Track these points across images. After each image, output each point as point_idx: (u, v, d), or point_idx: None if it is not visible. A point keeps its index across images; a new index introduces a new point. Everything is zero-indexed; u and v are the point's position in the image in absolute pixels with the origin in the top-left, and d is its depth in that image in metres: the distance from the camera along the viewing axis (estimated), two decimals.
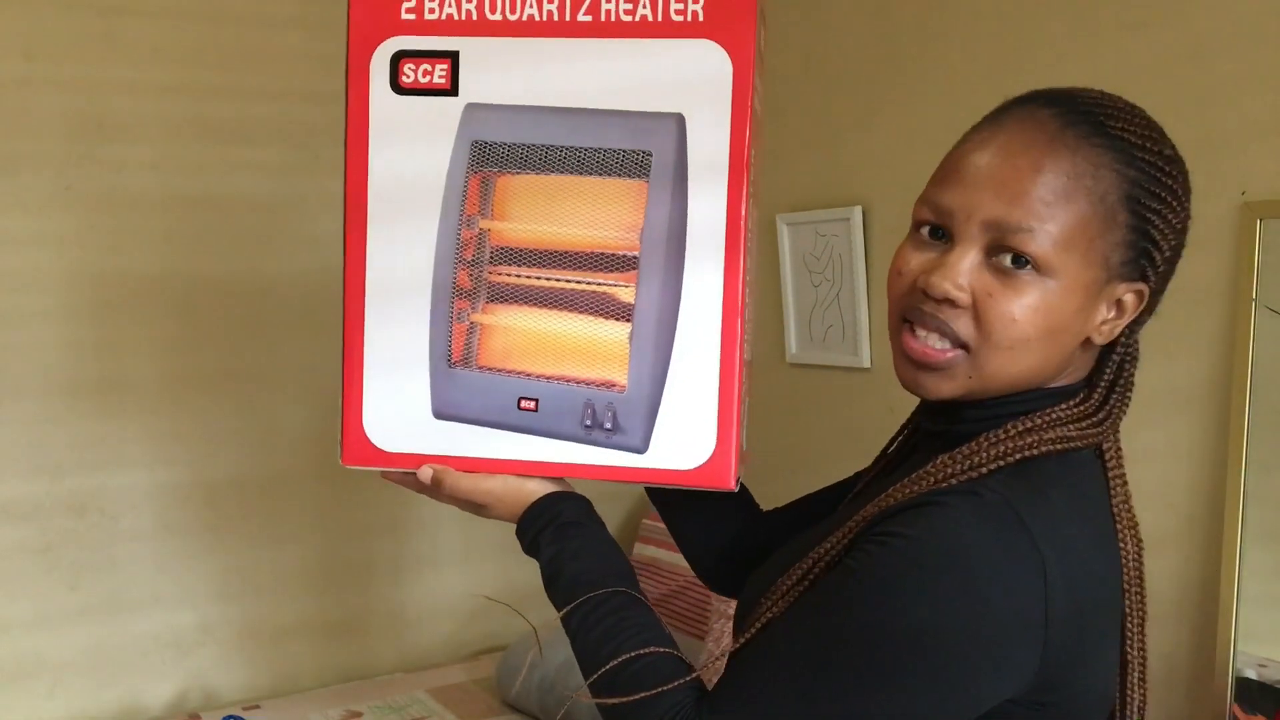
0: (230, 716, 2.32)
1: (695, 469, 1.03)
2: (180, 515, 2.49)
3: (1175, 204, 0.91)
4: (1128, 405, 0.98)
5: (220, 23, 2.48)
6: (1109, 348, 0.97)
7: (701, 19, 0.95)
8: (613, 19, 0.97)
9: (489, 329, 1.03)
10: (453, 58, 0.99)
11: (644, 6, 0.96)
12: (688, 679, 0.91)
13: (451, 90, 0.99)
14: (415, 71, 1.00)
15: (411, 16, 1.00)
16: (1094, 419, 0.94)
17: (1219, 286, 1.77)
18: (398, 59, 1.00)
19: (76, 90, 2.34)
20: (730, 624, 1.22)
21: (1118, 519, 0.94)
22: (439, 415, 1.05)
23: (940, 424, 0.97)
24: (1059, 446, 0.90)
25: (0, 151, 2.28)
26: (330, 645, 2.67)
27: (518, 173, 1.00)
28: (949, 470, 0.88)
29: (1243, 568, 1.73)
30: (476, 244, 1.02)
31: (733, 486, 1.05)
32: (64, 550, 2.38)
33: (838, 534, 0.92)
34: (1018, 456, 0.88)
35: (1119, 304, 0.93)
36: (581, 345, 1.02)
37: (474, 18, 0.99)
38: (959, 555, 0.82)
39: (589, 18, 0.98)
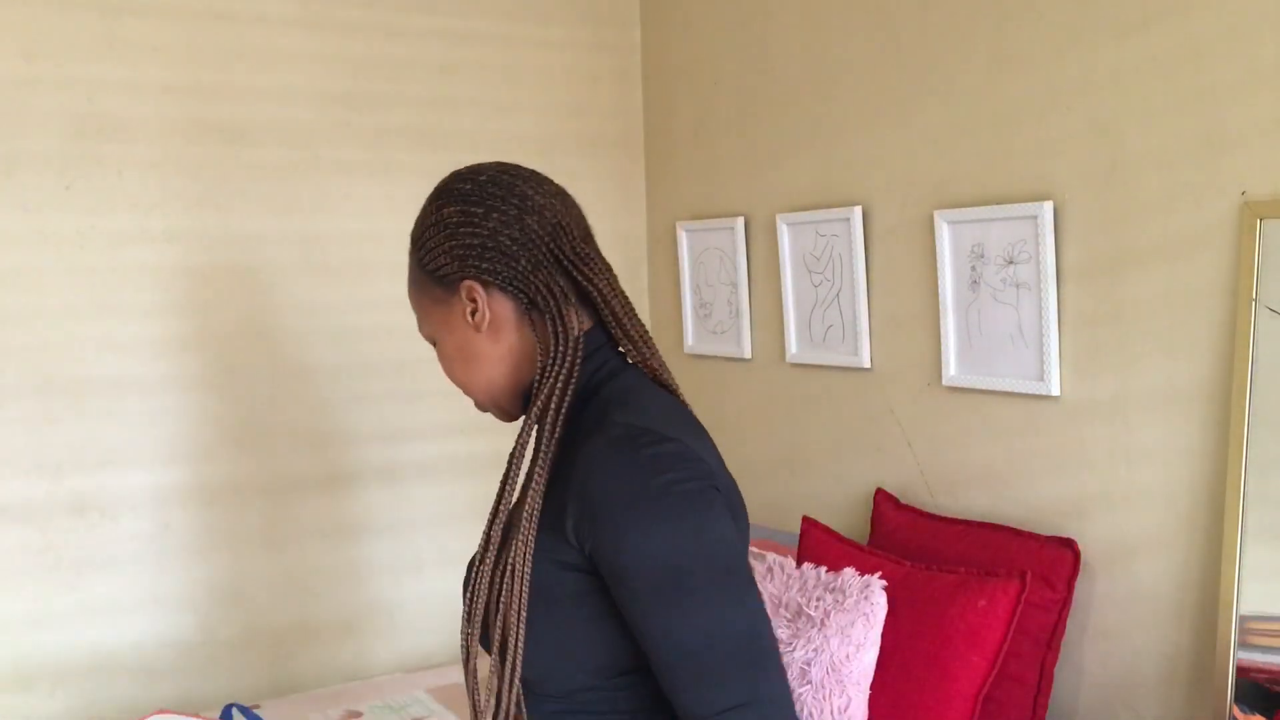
0: (231, 705, 2.31)
1: None
2: (180, 515, 2.49)
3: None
4: (575, 346, 1.22)
5: (220, 23, 2.48)
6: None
7: None
8: None
9: None
10: None
11: None
12: None
13: None
14: None
15: None
16: (558, 367, 1.22)
17: (1219, 286, 1.77)
18: None
19: (76, 90, 2.34)
20: None
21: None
22: None
23: None
24: (560, 396, 1.20)
25: (0, 151, 2.29)
26: (330, 645, 2.67)
27: None
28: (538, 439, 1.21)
29: (1243, 568, 1.73)
30: None
31: None
32: (64, 550, 2.38)
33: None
34: (551, 413, 1.19)
35: (471, 301, 1.24)
36: None
37: None
38: (644, 478, 1.12)
39: None
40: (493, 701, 1.18)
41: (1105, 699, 1.98)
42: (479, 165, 1.30)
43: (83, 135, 2.35)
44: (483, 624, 1.22)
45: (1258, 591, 1.72)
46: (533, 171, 1.29)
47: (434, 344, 1.31)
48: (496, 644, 1.18)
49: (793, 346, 2.60)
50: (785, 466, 2.62)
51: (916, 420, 2.30)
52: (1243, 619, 1.73)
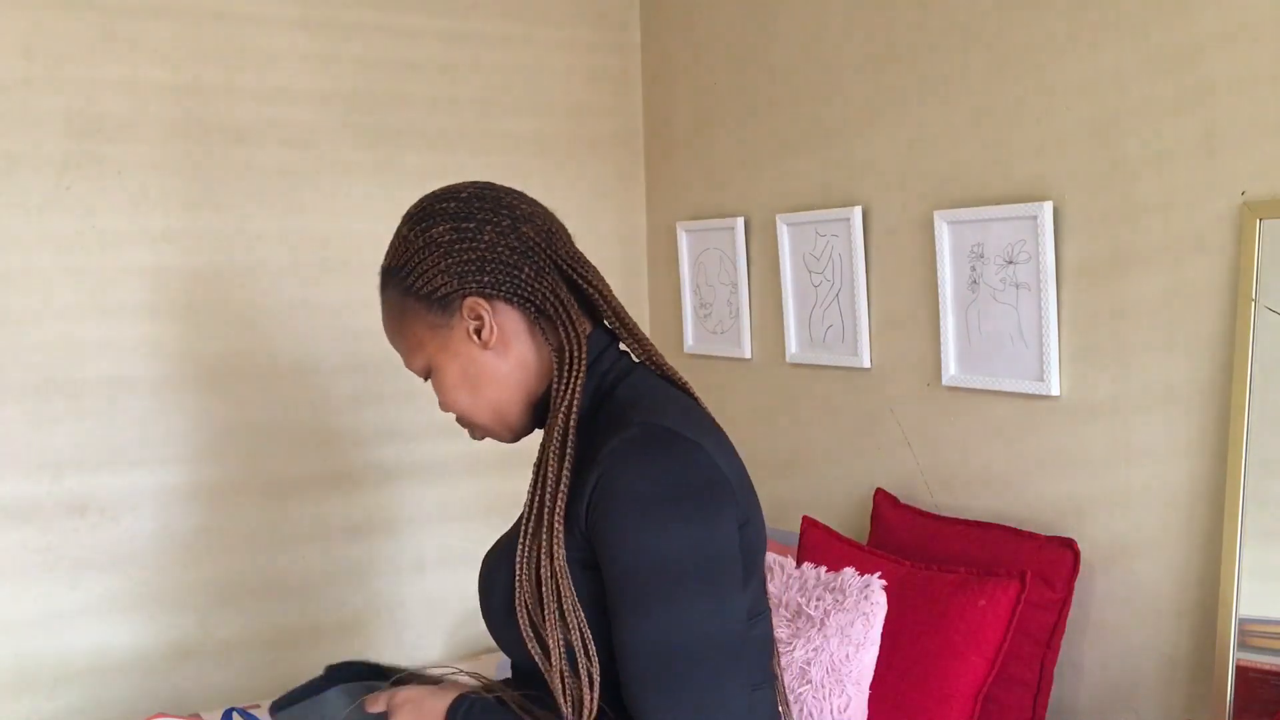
0: (231, 709, 2.31)
1: None
2: (180, 515, 2.49)
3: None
4: (582, 350, 1.22)
5: (220, 23, 2.48)
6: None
7: None
8: None
9: None
10: None
11: None
12: None
13: None
14: None
15: None
16: (576, 370, 1.21)
17: (1219, 286, 1.77)
18: None
19: (76, 90, 2.34)
20: None
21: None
22: None
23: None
24: (580, 398, 1.21)
25: (0, 151, 2.29)
26: (330, 645, 2.66)
27: None
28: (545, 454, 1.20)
29: (1242, 568, 1.73)
30: None
31: None
32: (64, 550, 2.38)
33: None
34: (574, 416, 1.19)
35: (475, 320, 1.23)
36: None
37: None
38: (656, 476, 1.13)
39: None
40: (586, 696, 1.15)
41: (1105, 699, 1.98)
42: (453, 186, 1.27)
43: (83, 135, 2.35)
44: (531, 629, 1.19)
45: (1257, 592, 1.73)
46: (508, 187, 1.29)
47: (427, 377, 1.28)
48: (559, 646, 1.16)
49: (793, 346, 2.60)
50: (785, 466, 2.62)
51: (916, 420, 2.30)
52: (1241, 621, 1.73)
